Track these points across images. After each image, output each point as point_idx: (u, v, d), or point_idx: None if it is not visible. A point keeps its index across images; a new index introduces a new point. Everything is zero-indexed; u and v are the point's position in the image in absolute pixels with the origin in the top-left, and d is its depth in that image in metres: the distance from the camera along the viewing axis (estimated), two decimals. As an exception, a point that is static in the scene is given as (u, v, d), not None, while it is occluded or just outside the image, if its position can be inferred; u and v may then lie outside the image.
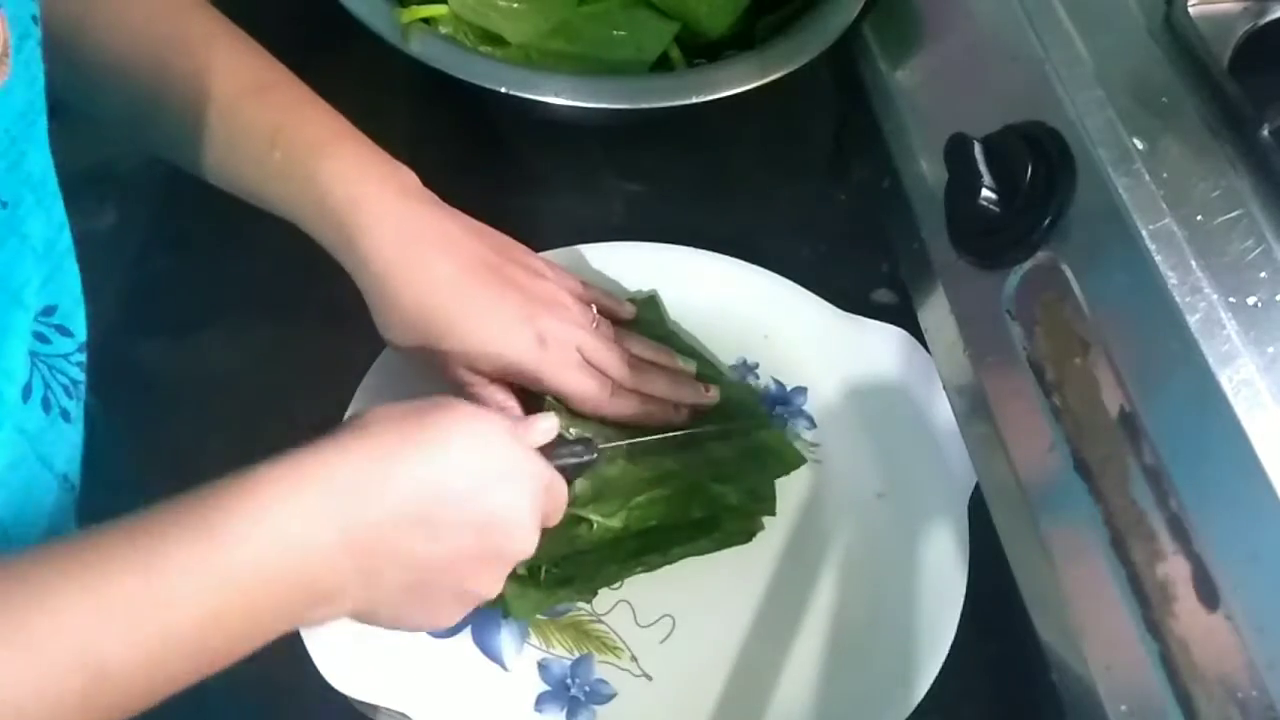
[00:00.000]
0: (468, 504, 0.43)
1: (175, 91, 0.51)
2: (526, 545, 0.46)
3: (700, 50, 0.71)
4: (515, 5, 0.68)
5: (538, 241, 0.60)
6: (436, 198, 0.53)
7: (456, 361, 0.52)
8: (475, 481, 0.43)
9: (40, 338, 0.42)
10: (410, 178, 0.53)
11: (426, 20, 0.65)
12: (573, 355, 0.54)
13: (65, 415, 0.44)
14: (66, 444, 0.45)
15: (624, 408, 0.55)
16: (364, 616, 0.43)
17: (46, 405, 0.43)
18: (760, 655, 0.54)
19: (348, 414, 0.56)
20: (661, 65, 0.70)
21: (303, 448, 0.40)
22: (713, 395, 0.58)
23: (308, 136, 0.51)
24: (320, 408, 0.56)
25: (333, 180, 0.50)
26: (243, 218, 0.54)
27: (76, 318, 0.44)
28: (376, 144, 0.52)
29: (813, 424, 0.62)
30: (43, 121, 0.40)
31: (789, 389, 0.63)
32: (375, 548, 0.40)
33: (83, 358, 0.45)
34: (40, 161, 0.41)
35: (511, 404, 0.53)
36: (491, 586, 0.46)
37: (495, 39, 0.68)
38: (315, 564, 0.39)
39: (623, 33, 0.69)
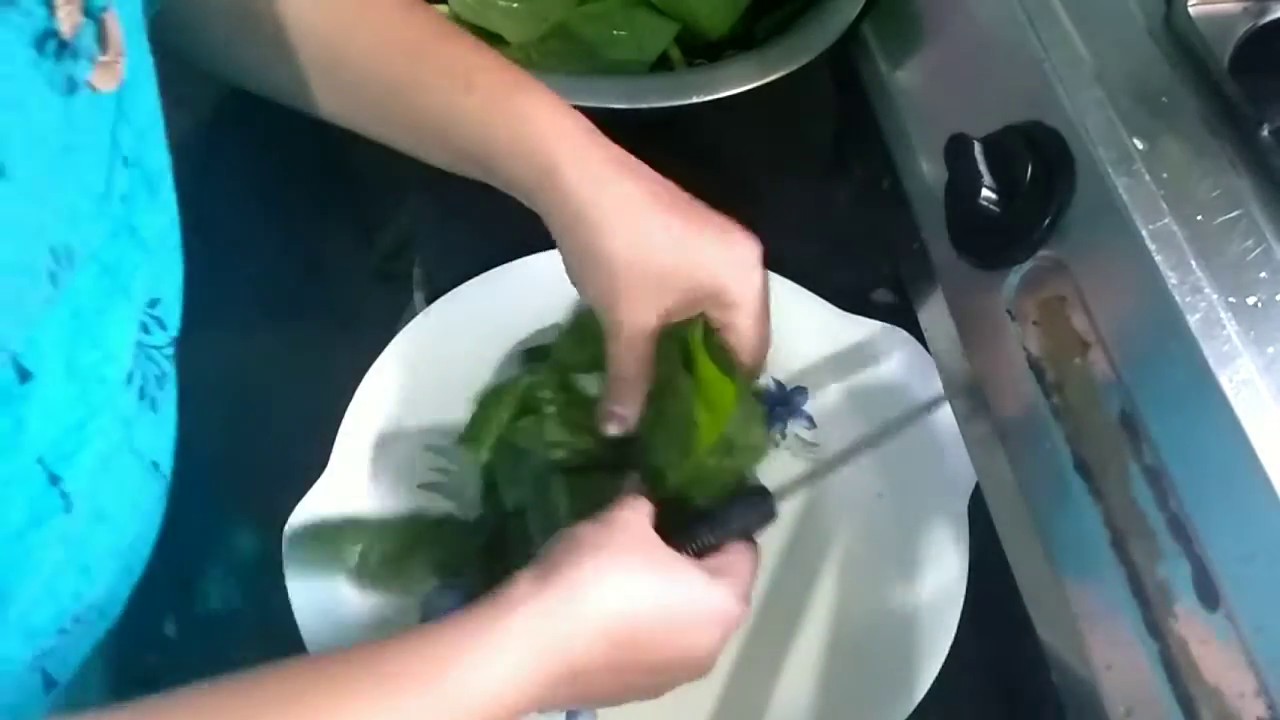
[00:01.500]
0: (657, 651, 0.45)
1: (358, 43, 0.50)
2: (707, 668, 0.48)
3: (700, 50, 0.71)
4: (515, 5, 0.68)
5: (538, 242, 0.60)
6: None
7: (648, 312, 0.51)
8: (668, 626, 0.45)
9: (143, 328, 0.43)
10: (595, 129, 0.52)
11: (426, 20, 0.65)
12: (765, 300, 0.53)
13: (154, 405, 0.45)
14: (157, 433, 0.46)
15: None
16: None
17: (141, 394, 0.43)
18: (760, 655, 0.55)
19: (348, 413, 0.56)
20: (661, 65, 0.70)
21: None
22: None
23: (504, 78, 0.50)
24: (320, 408, 0.56)
25: (531, 115, 0.49)
26: (244, 219, 0.54)
27: (174, 312, 0.45)
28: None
29: (813, 424, 0.62)
30: (160, 120, 0.41)
31: (789, 389, 0.63)
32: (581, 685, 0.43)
33: (172, 351, 0.46)
34: (158, 160, 0.42)
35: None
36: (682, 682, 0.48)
37: (495, 39, 0.68)
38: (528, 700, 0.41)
39: (623, 33, 0.69)
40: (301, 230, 0.54)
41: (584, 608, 0.42)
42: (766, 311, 0.53)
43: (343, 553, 0.53)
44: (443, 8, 0.67)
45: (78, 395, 0.39)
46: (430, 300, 0.61)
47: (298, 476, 0.54)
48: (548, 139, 0.49)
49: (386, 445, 0.57)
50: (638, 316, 0.51)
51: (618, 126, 0.68)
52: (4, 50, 0.32)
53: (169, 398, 0.46)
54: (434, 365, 0.59)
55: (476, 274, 0.61)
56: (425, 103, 0.50)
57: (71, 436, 0.39)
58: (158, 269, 0.43)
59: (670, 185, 0.52)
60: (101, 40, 0.36)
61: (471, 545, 0.55)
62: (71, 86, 0.35)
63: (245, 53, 0.51)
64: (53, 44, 0.34)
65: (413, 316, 0.60)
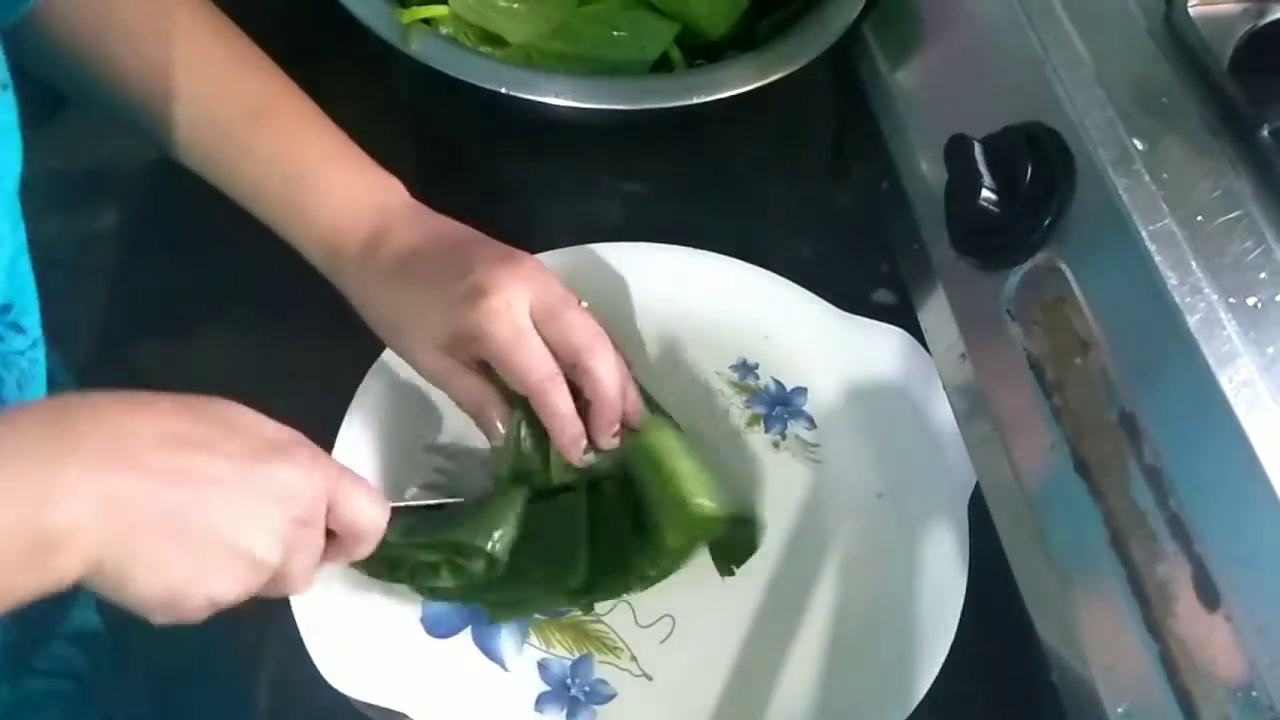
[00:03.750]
0: (243, 431, 0.41)
1: (176, 111, 0.52)
2: (301, 504, 0.42)
3: (700, 50, 0.71)
4: (515, 5, 0.68)
5: (538, 242, 0.60)
6: (416, 209, 0.55)
7: (416, 344, 0.53)
8: (248, 420, 0.42)
9: None
10: (393, 194, 0.55)
11: (426, 20, 0.66)
12: (517, 320, 0.51)
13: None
14: None
15: (549, 402, 0.52)
16: (116, 568, 0.37)
17: (2, 402, 0.43)
18: (760, 655, 0.54)
19: (348, 413, 0.56)
20: (661, 65, 0.70)
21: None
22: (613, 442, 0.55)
23: (298, 166, 0.53)
24: (320, 408, 0.56)
25: (317, 210, 0.53)
26: (243, 218, 0.54)
27: (30, 315, 0.44)
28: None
29: (813, 424, 0.62)
30: (15, 127, 0.41)
31: (789, 389, 0.63)
32: (122, 461, 0.37)
33: (36, 355, 0.45)
34: (2, 170, 0.41)
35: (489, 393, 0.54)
36: (269, 537, 0.41)
37: (495, 39, 0.68)
38: (50, 507, 0.35)
39: (623, 33, 0.69)
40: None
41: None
42: (518, 351, 0.51)
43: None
44: (442, 8, 0.67)
45: None
46: (430, 300, 0.61)
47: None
48: (326, 240, 0.53)
49: (386, 445, 0.57)
50: (424, 353, 0.53)
51: (618, 126, 0.69)
52: None
53: (33, 399, 0.45)
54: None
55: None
56: (237, 183, 0.54)
57: None
58: (9, 277, 0.43)
59: (440, 232, 0.54)
60: None
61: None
62: None
63: (75, 70, 0.52)
64: None
65: (413, 316, 0.60)
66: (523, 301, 0.51)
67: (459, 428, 0.58)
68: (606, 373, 0.52)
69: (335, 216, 0.53)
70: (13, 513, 0.34)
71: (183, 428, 0.39)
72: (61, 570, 0.35)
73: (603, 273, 0.63)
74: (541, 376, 0.51)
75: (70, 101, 0.53)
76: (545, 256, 0.61)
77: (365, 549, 0.47)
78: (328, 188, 0.53)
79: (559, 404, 0.52)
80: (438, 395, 0.57)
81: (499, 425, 0.54)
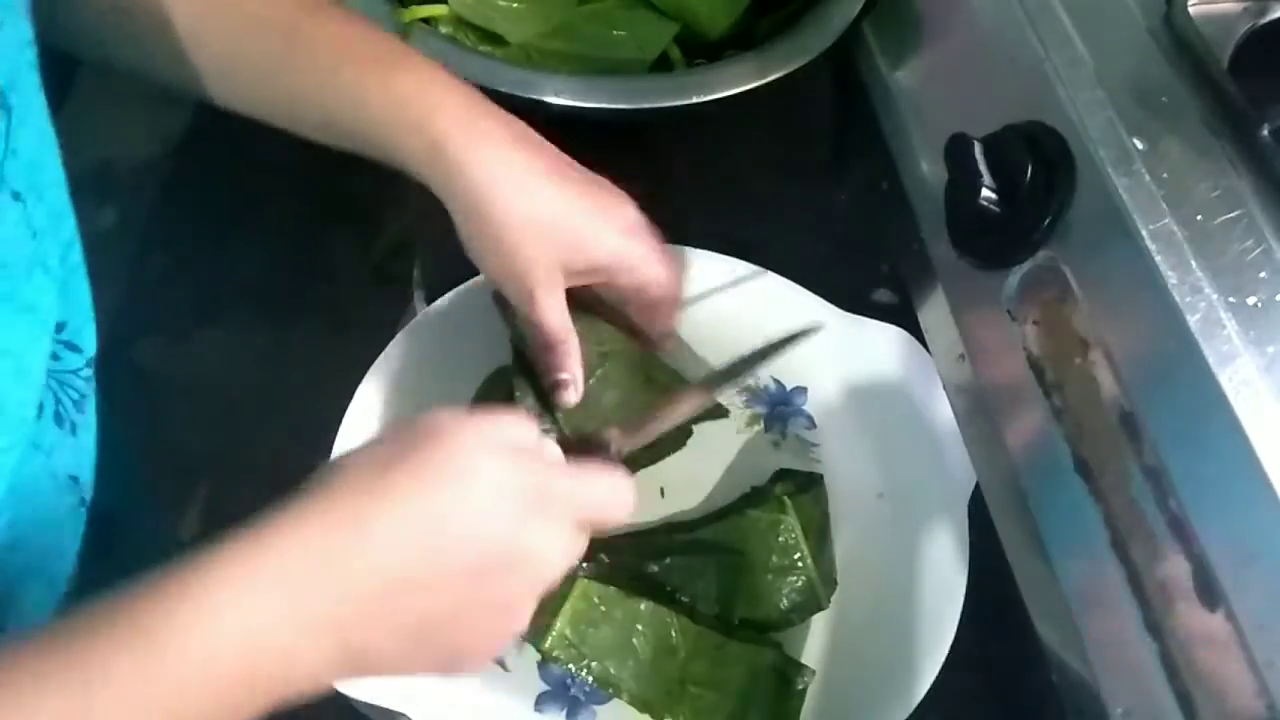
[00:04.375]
0: (465, 547, 0.37)
1: (220, 21, 0.49)
2: (551, 567, 0.40)
3: (700, 50, 0.71)
4: (515, 5, 0.68)
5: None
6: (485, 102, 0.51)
7: (555, 274, 0.51)
8: (469, 520, 0.37)
9: (53, 355, 0.43)
10: (480, 98, 0.51)
11: (426, 20, 0.66)
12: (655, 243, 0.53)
13: (74, 429, 0.44)
14: (77, 455, 0.45)
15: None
16: (369, 673, 0.38)
17: (59, 420, 0.43)
18: (760, 655, 0.54)
19: (348, 414, 0.56)
20: (661, 65, 0.70)
21: (259, 521, 0.35)
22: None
23: (379, 52, 0.49)
24: (320, 408, 0.56)
25: (412, 90, 0.48)
26: (243, 218, 0.54)
27: (87, 334, 0.44)
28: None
29: (813, 424, 0.62)
30: (53, 143, 0.40)
31: (789, 389, 0.63)
32: (357, 622, 0.36)
33: (90, 373, 0.45)
34: (56, 186, 0.41)
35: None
36: (518, 623, 0.40)
37: (495, 39, 0.68)
38: (277, 657, 0.35)
39: (623, 33, 0.69)
40: (301, 230, 0.54)
41: (369, 545, 0.35)
42: (658, 264, 0.53)
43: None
44: (442, 8, 0.67)
45: None
46: (430, 300, 0.61)
47: (298, 477, 0.54)
48: (431, 114, 0.48)
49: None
50: (547, 279, 0.51)
51: (618, 126, 0.69)
52: None
53: (89, 419, 0.45)
54: (434, 365, 0.59)
55: (476, 274, 0.61)
56: (298, 83, 0.49)
57: None
58: (64, 294, 0.42)
59: (555, 152, 0.52)
60: None
61: None
62: None
63: (114, 34, 0.50)
64: None
65: (413, 317, 0.60)
66: (649, 249, 0.54)
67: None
68: None
69: (430, 95, 0.48)
70: (259, 672, 0.34)
71: (404, 566, 0.36)
72: (314, 689, 0.36)
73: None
74: (668, 295, 0.55)
75: (90, 64, 0.51)
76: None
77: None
78: (415, 74, 0.49)
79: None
80: (437, 396, 0.57)
81: (571, 361, 0.53)
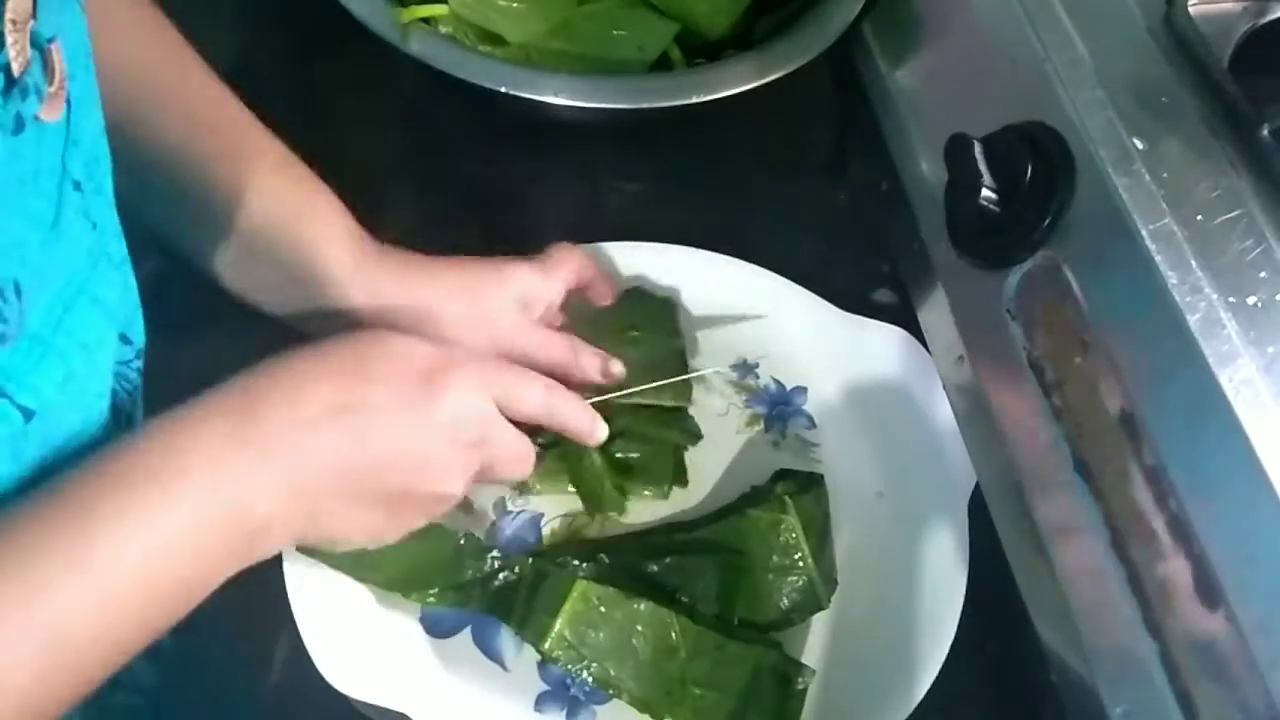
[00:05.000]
0: (383, 360, 0.43)
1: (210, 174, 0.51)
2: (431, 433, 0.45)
3: (700, 50, 0.71)
4: (515, 5, 0.68)
5: (538, 242, 0.60)
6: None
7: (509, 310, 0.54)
8: (388, 348, 0.44)
9: None
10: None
11: (426, 20, 0.66)
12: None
13: (130, 421, 0.45)
14: None
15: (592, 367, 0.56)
16: (315, 537, 0.44)
17: (117, 413, 0.44)
18: (760, 655, 0.54)
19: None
20: (661, 65, 0.70)
21: (219, 393, 0.41)
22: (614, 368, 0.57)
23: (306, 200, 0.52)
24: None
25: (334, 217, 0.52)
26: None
27: (136, 326, 0.45)
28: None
29: (813, 424, 0.62)
30: (105, 140, 0.41)
31: (789, 389, 0.63)
32: (307, 479, 0.41)
33: (140, 364, 0.46)
34: (108, 179, 0.41)
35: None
36: (442, 483, 0.46)
37: (495, 39, 0.68)
38: (250, 507, 0.40)
39: (623, 33, 0.69)
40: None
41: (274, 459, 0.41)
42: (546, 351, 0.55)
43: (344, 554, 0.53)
44: (442, 8, 0.67)
45: (79, 426, 0.40)
46: (430, 300, 0.61)
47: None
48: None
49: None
50: (510, 320, 0.54)
51: (618, 126, 0.69)
52: None
53: (140, 411, 0.47)
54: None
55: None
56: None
57: (56, 459, 0.39)
58: (122, 286, 0.44)
59: (424, 266, 0.54)
60: (47, 71, 0.35)
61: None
62: (19, 125, 0.34)
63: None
64: (0, 82, 0.33)
65: (413, 316, 0.60)
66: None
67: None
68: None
69: (349, 227, 0.53)
70: (218, 513, 0.39)
71: (344, 394, 0.42)
72: (266, 551, 0.42)
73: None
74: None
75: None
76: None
77: (548, 423, 0.50)
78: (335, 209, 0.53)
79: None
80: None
81: (599, 361, 0.56)
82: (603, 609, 0.50)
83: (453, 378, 0.45)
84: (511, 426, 0.48)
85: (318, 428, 0.41)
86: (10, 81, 0.33)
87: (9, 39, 0.33)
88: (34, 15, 0.34)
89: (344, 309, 0.52)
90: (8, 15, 0.33)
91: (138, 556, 0.37)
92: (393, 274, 0.52)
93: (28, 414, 0.37)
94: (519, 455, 0.49)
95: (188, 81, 0.51)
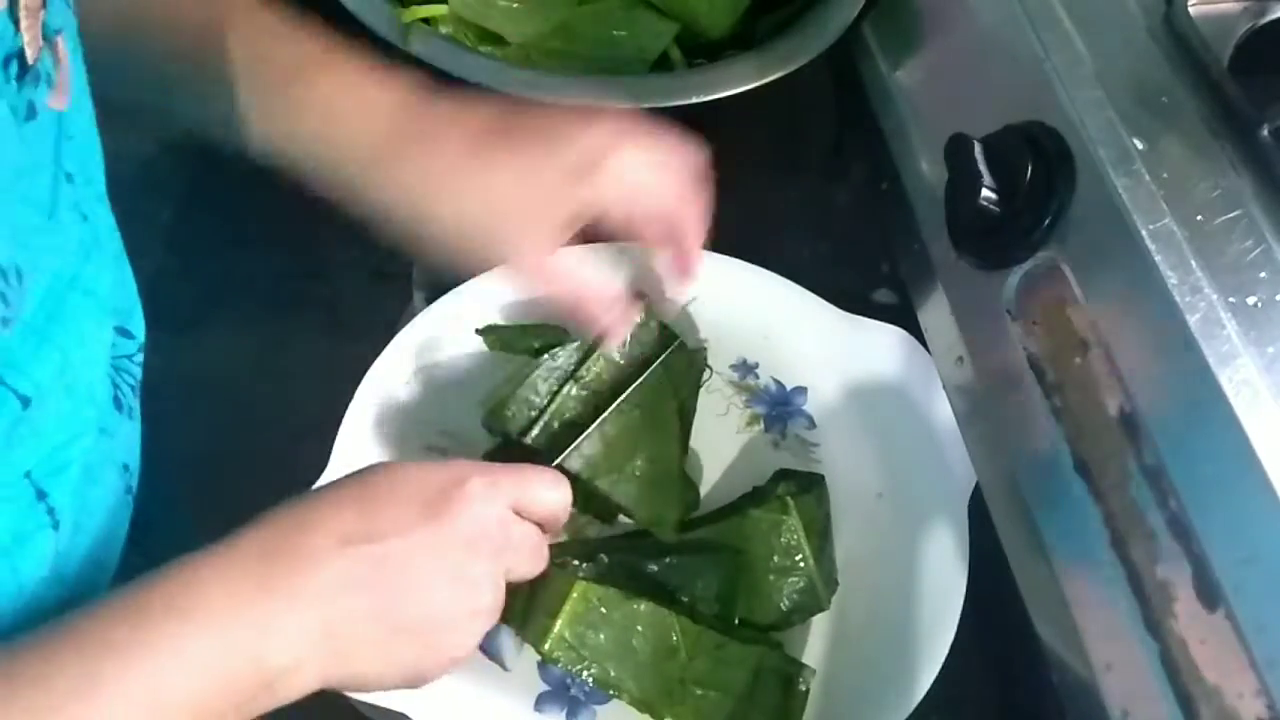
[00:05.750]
0: (400, 491, 0.43)
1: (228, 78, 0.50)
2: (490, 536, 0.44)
3: (700, 50, 0.71)
4: (515, 5, 0.68)
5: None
6: (440, 97, 0.52)
7: (540, 230, 0.51)
8: (397, 477, 0.43)
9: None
10: (405, 88, 0.51)
11: (426, 20, 0.66)
12: (641, 174, 0.52)
13: (131, 413, 0.46)
14: (129, 443, 0.46)
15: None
16: (347, 676, 0.42)
17: (119, 404, 0.44)
18: (760, 655, 0.54)
19: (348, 414, 0.56)
20: (661, 65, 0.70)
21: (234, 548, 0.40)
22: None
23: (293, 61, 0.50)
24: (320, 408, 0.56)
25: (338, 103, 0.50)
26: (244, 217, 0.54)
27: (136, 319, 0.46)
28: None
29: (813, 424, 0.62)
30: (95, 133, 0.41)
31: (789, 389, 0.63)
32: (331, 615, 0.40)
33: (141, 357, 0.46)
34: (99, 172, 0.42)
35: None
36: (477, 596, 0.44)
37: (495, 39, 0.68)
38: (271, 647, 0.39)
39: (623, 33, 0.69)
40: (301, 230, 0.53)
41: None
42: (664, 166, 0.52)
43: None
44: (442, 8, 0.67)
45: (70, 414, 0.40)
46: (430, 300, 0.61)
47: (298, 477, 0.54)
48: (358, 124, 0.50)
49: (386, 445, 0.57)
50: (540, 241, 0.51)
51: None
52: None
53: (139, 403, 0.47)
54: (434, 365, 0.59)
55: (476, 274, 0.61)
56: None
57: (60, 453, 0.39)
58: (116, 279, 0.44)
59: (501, 111, 0.51)
60: (54, 61, 0.36)
61: None
62: (32, 112, 0.35)
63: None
64: (15, 68, 0.34)
65: (413, 316, 0.60)
66: (633, 155, 0.52)
67: (459, 426, 0.58)
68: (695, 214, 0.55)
69: (374, 119, 0.50)
70: (240, 659, 0.38)
71: (353, 524, 0.41)
72: (294, 692, 0.40)
73: (603, 273, 0.63)
74: (676, 201, 0.52)
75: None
76: (545, 256, 0.61)
77: (559, 524, 0.49)
78: (352, 101, 0.51)
79: (695, 219, 0.54)
80: (438, 395, 0.57)
81: (598, 313, 0.53)
82: (603, 610, 0.50)
83: (467, 490, 0.44)
84: (524, 523, 0.47)
85: (333, 562, 0.40)
86: (24, 68, 0.34)
87: (24, 25, 0.33)
88: (44, 6, 0.35)
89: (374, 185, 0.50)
90: (22, 3, 0.33)
91: (152, 684, 0.36)
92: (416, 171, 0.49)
93: (25, 401, 0.37)
94: (535, 550, 0.47)
95: None
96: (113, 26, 0.47)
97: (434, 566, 0.42)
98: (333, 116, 0.50)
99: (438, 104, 0.51)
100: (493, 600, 0.45)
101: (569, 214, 0.51)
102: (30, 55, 0.34)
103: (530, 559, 0.47)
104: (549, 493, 0.48)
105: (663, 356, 0.57)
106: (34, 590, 0.40)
